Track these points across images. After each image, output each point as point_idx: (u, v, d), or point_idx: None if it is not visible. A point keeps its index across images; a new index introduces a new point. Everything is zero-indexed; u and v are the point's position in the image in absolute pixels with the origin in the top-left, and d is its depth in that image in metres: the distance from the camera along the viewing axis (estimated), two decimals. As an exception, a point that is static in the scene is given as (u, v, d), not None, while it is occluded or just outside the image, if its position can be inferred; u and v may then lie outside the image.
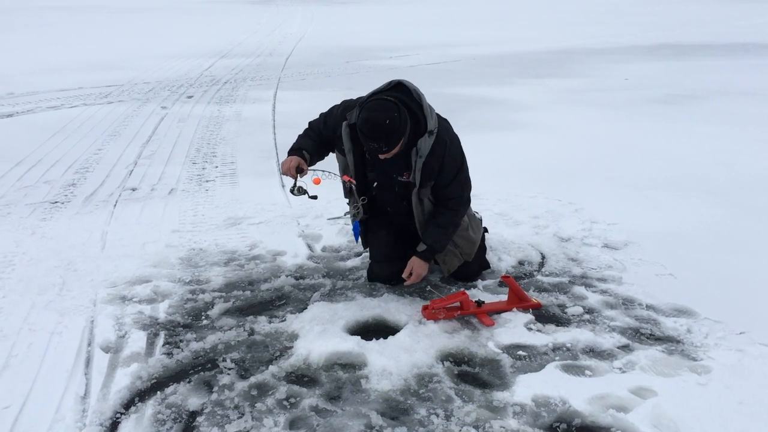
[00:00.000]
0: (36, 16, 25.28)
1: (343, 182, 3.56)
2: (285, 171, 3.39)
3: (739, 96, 9.54)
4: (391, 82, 3.26)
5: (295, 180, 3.40)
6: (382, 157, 3.22)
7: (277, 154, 6.58)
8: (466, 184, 3.47)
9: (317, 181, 3.46)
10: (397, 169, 3.37)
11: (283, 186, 5.54)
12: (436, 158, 3.27)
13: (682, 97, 9.49)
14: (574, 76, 11.61)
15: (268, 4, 32.84)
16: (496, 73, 12.05)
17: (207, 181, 5.73)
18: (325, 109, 3.55)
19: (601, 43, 16.52)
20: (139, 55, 14.58)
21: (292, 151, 3.45)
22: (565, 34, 18.75)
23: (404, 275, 3.43)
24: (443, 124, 3.35)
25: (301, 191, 3.40)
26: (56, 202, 5.18)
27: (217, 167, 6.20)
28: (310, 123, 3.59)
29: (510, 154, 6.49)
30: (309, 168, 3.45)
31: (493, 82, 10.94)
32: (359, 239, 3.74)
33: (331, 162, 3.62)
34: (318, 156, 3.52)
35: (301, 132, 3.58)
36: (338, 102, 3.52)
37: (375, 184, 3.51)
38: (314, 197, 3.46)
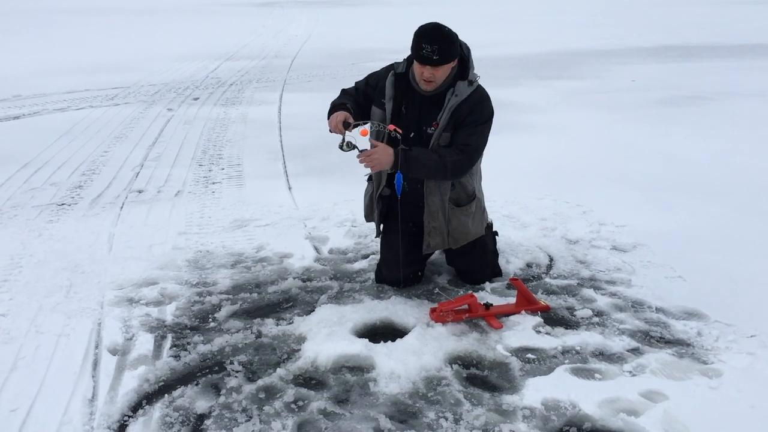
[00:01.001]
0: (43, 19, 25.38)
1: (388, 131, 3.38)
2: (333, 128, 3.27)
3: (746, 97, 9.49)
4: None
5: (344, 135, 3.22)
6: (426, 75, 3.19)
7: (283, 156, 6.57)
8: (478, 137, 3.32)
9: (365, 133, 3.30)
10: (429, 119, 3.33)
11: (289, 188, 5.54)
12: (469, 105, 3.27)
13: (690, 98, 9.45)
14: (580, 78, 11.57)
15: (273, 7, 32.89)
16: (501, 74, 12.02)
17: (213, 183, 5.73)
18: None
19: (606, 45, 16.48)
20: (145, 58, 14.62)
21: (335, 108, 3.38)
22: (570, 36, 18.72)
23: (363, 155, 3.16)
24: (481, 86, 3.38)
25: (350, 146, 3.20)
26: (63, 204, 5.18)
27: (223, 169, 6.19)
28: (343, 89, 3.58)
29: (517, 155, 6.47)
30: (355, 123, 3.29)
31: (498, 84, 10.91)
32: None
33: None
34: (363, 110, 3.48)
35: (336, 98, 3.51)
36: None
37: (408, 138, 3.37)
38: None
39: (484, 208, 3.71)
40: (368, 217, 3.79)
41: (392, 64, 3.45)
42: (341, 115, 3.25)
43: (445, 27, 3.19)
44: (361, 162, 3.18)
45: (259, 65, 13.75)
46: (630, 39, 17.86)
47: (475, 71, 3.36)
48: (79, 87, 10.80)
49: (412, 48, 3.21)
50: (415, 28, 3.21)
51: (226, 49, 16.23)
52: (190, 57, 14.68)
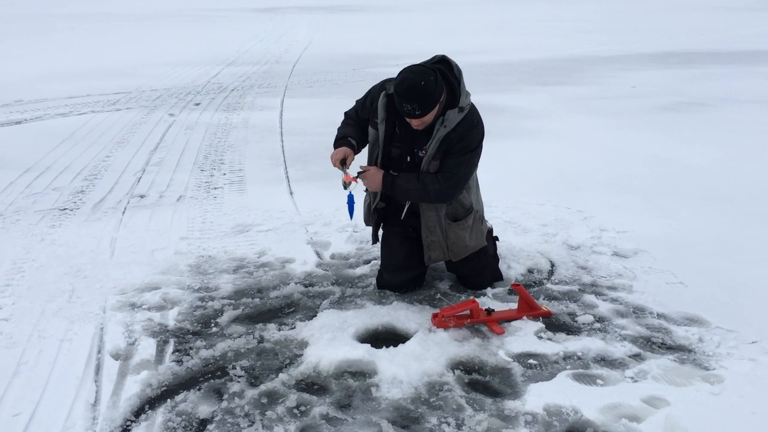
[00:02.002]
0: (44, 24, 25.44)
1: (370, 157, 3.54)
2: (333, 164, 3.42)
3: (747, 104, 9.51)
4: (435, 56, 3.32)
5: (343, 172, 3.40)
6: (415, 123, 3.22)
7: (284, 161, 6.58)
8: (465, 168, 3.36)
9: (347, 178, 3.39)
10: (420, 143, 3.36)
11: (291, 193, 5.55)
12: (458, 134, 3.27)
13: (690, 104, 9.47)
14: (581, 84, 11.59)
15: (274, 12, 32.97)
16: (502, 80, 12.04)
17: (215, 189, 5.74)
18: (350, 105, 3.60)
19: (607, 51, 16.51)
20: (146, 63, 14.65)
21: (339, 142, 3.46)
22: (571, 42, 18.75)
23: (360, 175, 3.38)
24: (475, 111, 3.37)
25: (348, 184, 3.41)
26: (65, 209, 5.19)
27: (225, 174, 6.21)
28: (346, 113, 3.61)
29: (518, 161, 6.48)
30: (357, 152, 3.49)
31: (500, 90, 10.94)
32: (352, 216, 3.63)
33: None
34: (364, 141, 3.53)
35: (339, 124, 3.60)
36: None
37: (400, 161, 3.46)
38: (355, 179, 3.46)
39: (483, 218, 3.71)
40: (367, 222, 3.81)
41: (385, 83, 3.42)
42: (340, 152, 3.39)
43: (421, 80, 3.10)
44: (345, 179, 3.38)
45: (261, 71, 13.78)
46: (631, 45, 17.90)
47: (466, 95, 3.29)
48: (81, 92, 10.82)
49: (395, 100, 3.21)
50: (397, 78, 3.18)
51: (227, 55, 16.26)
52: (191, 62, 14.71)
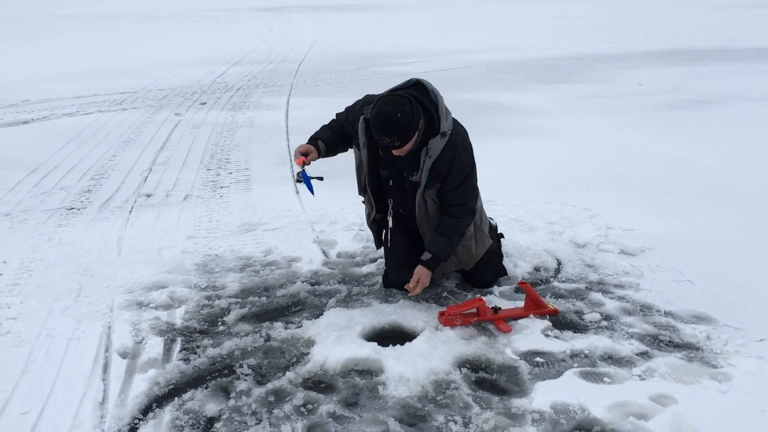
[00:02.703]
0: (50, 24, 25.52)
1: (359, 177, 3.53)
2: (294, 156, 3.44)
3: (754, 101, 9.47)
4: (409, 80, 3.27)
5: (301, 167, 3.40)
6: (395, 153, 3.21)
7: (290, 160, 6.58)
8: (471, 193, 3.41)
9: (300, 161, 3.37)
10: (408, 168, 3.36)
11: (297, 192, 5.56)
12: (445, 161, 3.24)
13: (697, 102, 9.44)
14: (587, 82, 11.56)
15: (279, 12, 32.99)
16: (508, 79, 12.02)
17: (221, 188, 5.75)
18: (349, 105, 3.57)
19: (613, 49, 16.46)
20: (152, 63, 14.68)
21: (309, 140, 3.47)
22: (577, 40, 18.70)
23: (410, 285, 3.36)
24: (459, 129, 3.33)
25: (300, 179, 3.43)
26: (72, 208, 5.21)
27: (231, 173, 6.22)
28: (336, 114, 3.60)
29: (524, 159, 6.47)
30: (320, 158, 3.49)
31: (506, 88, 10.92)
32: (310, 191, 3.57)
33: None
34: (335, 149, 3.53)
35: (320, 127, 3.58)
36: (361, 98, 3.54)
37: (390, 182, 3.49)
38: (320, 178, 3.47)
39: (484, 220, 3.69)
40: (370, 226, 3.81)
41: (364, 105, 3.36)
42: (303, 147, 3.41)
43: (397, 112, 3.05)
44: (411, 295, 3.42)
45: (266, 70, 13.79)
46: (636, 43, 17.84)
47: (446, 117, 3.23)
48: (87, 92, 10.86)
49: (373, 134, 3.19)
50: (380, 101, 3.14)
51: (232, 54, 16.27)
52: (197, 62, 14.74)
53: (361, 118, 3.32)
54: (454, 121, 3.32)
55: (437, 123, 3.21)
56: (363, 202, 3.71)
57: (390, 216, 3.58)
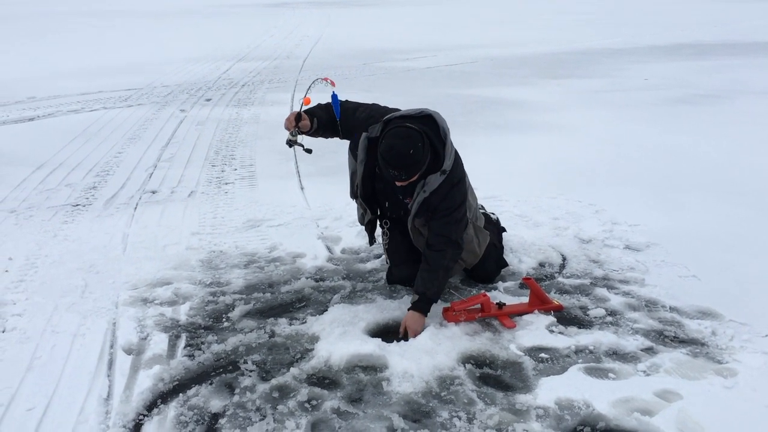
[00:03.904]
0: (55, 22, 25.56)
1: (351, 185, 3.50)
2: (286, 122, 3.36)
3: (761, 95, 9.42)
4: (422, 111, 3.19)
5: (291, 132, 3.33)
6: (398, 183, 3.17)
7: (295, 156, 6.58)
8: (455, 226, 3.30)
9: (307, 101, 3.31)
10: (403, 191, 3.34)
11: (302, 188, 5.56)
12: (439, 196, 3.21)
13: (703, 96, 9.39)
14: (593, 77, 11.52)
15: (284, 7, 32.96)
16: (513, 74, 11.99)
17: (226, 184, 5.76)
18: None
19: (619, 43, 16.39)
20: (157, 59, 14.69)
21: (306, 112, 3.38)
22: (582, 35, 18.63)
23: (400, 332, 3.17)
24: (457, 166, 3.27)
25: (292, 141, 3.34)
26: (77, 205, 5.22)
27: (236, 170, 6.22)
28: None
29: (529, 154, 6.45)
30: (310, 134, 3.41)
31: (511, 83, 10.89)
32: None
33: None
34: (324, 133, 3.45)
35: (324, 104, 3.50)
36: (368, 102, 3.48)
37: (384, 196, 3.50)
38: (308, 150, 3.43)
39: (478, 216, 3.65)
40: (363, 225, 3.76)
41: (371, 118, 3.29)
42: (297, 113, 3.31)
43: (410, 149, 3.00)
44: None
45: (271, 66, 13.78)
46: (643, 37, 17.76)
47: (450, 156, 3.19)
48: (93, 89, 10.87)
49: (379, 162, 3.13)
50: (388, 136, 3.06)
51: (237, 50, 16.27)
52: (201, 58, 14.74)
53: (364, 135, 3.26)
54: (456, 158, 3.27)
55: (441, 161, 3.17)
56: (355, 197, 3.69)
57: (383, 221, 3.57)
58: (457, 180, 3.26)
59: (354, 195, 3.55)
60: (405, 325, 3.17)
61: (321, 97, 3.50)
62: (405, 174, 3.06)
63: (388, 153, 3.03)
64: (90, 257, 4.13)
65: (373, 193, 3.51)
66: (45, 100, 9.97)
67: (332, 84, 3.37)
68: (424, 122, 3.16)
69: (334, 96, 3.39)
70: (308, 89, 3.37)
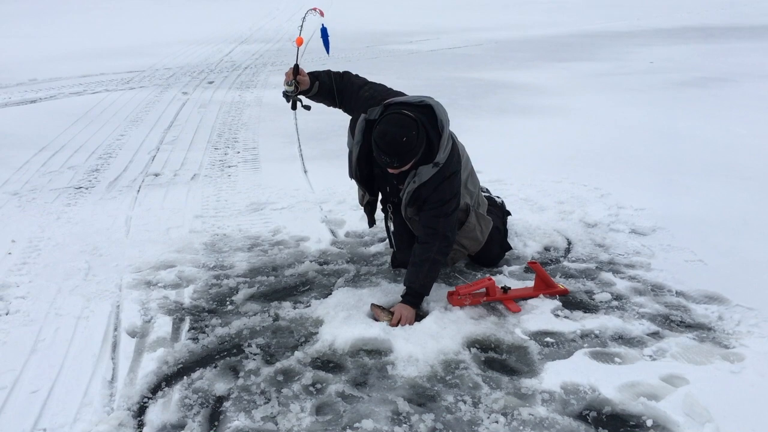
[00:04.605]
0: (57, 3, 25.42)
1: (349, 164, 3.45)
2: (286, 77, 3.31)
3: (767, 79, 9.34)
4: (423, 100, 3.13)
5: (289, 81, 3.28)
6: (389, 170, 3.14)
7: (298, 139, 6.55)
8: (444, 220, 3.22)
9: (300, 41, 3.26)
10: (396, 176, 3.29)
11: (305, 171, 5.53)
12: (429, 188, 3.17)
13: (709, 80, 9.32)
14: (598, 60, 11.44)
15: (287, -11, 32.74)
16: (518, 57, 11.90)
17: (229, 167, 5.73)
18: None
19: (625, 27, 16.27)
20: (159, 41, 14.61)
21: (309, 73, 3.34)
22: (588, 18, 18.47)
23: (392, 323, 3.06)
24: (451, 159, 3.21)
25: (289, 93, 3.30)
26: (80, 187, 5.21)
27: (239, 153, 6.19)
28: (347, 72, 3.47)
29: (534, 138, 6.42)
30: (308, 97, 3.38)
31: (516, 66, 10.82)
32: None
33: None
34: (323, 98, 3.41)
35: (333, 70, 3.45)
36: (375, 82, 3.45)
37: (384, 188, 3.47)
38: (307, 107, 3.38)
39: (481, 203, 3.62)
40: (362, 206, 3.73)
41: (372, 99, 3.25)
42: (295, 65, 3.26)
43: (403, 136, 2.95)
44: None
45: (274, 48, 13.71)
46: (648, 20, 17.61)
47: (445, 148, 3.12)
48: (95, 71, 10.83)
49: (372, 147, 3.08)
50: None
51: (240, 33, 16.18)
52: (204, 41, 14.66)
53: (363, 116, 3.21)
54: (453, 146, 3.22)
55: (434, 152, 3.12)
56: (353, 177, 3.66)
57: (386, 204, 3.53)
58: (450, 173, 3.20)
59: (352, 176, 3.52)
60: (398, 318, 3.08)
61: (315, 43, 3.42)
62: (397, 161, 3.02)
63: (381, 139, 2.99)
64: (93, 240, 4.11)
65: (372, 176, 3.47)
66: (46, 82, 9.93)
67: (321, 14, 3.31)
68: (423, 111, 3.10)
69: (323, 29, 3.33)
70: (301, 26, 3.32)
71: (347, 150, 3.42)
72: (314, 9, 3.35)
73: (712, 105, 7.78)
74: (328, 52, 3.34)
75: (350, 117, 3.42)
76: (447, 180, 3.19)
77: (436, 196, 3.18)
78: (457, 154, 3.26)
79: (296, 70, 3.28)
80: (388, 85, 3.44)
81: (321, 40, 3.35)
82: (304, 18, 3.36)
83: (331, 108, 3.54)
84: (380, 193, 3.55)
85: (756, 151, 5.80)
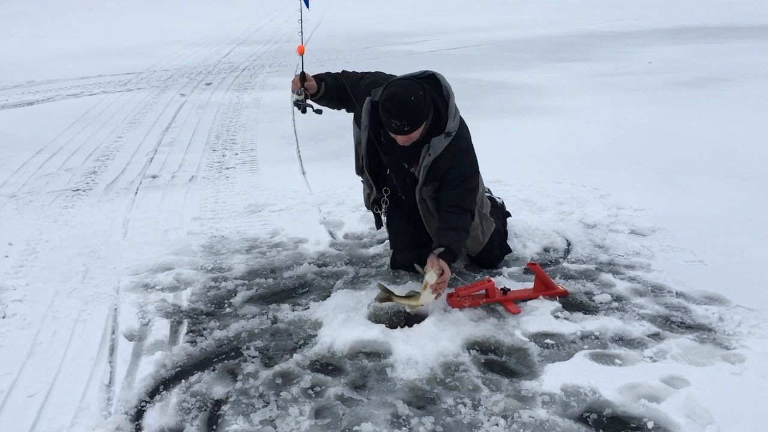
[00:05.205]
0: (54, 4, 25.40)
1: (357, 157, 3.45)
2: (292, 85, 3.35)
3: (766, 79, 9.33)
4: (425, 71, 3.16)
5: (298, 91, 3.32)
6: (401, 140, 3.12)
7: (297, 140, 6.54)
8: (469, 196, 3.26)
9: (301, 50, 3.31)
10: (408, 158, 3.28)
11: (303, 173, 5.52)
12: (445, 161, 3.16)
13: (708, 80, 9.31)
14: (598, 60, 11.43)
15: (285, -9, 32.74)
16: (517, 57, 11.90)
17: (227, 168, 5.71)
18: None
19: (624, 27, 16.27)
20: (157, 43, 14.59)
21: (314, 77, 3.37)
22: (587, 18, 18.47)
23: (439, 281, 3.02)
24: (463, 132, 3.23)
25: (300, 102, 3.34)
26: (78, 189, 5.19)
27: (237, 154, 6.18)
28: (344, 71, 3.49)
29: (533, 139, 6.40)
30: (315, 99, 3.42)
31: (515, 67, 10.81)
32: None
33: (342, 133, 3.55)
34: (329, 100, 3.43)
35: (331, 72, 3.49)
36: (372, 71, 3.47)
37: (390, 169, 3.44)
38: (319, 111, 3.40)
39: (485, 203, 3.60)
40: (368, 208, 3.75)
41: (374, 84, 3.27)
42: (301, 73, 3.30)
43: (411, 95, 2.97)
44: (435, 291, 3.04)
45: (272, 50, 13.70)
46: (647, 20, 17.61)
47: (454, 117, 3.14)
48: (92, 73, 10.81)
49: (381, 115, 3.07)
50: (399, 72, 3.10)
51: (238, 34, 16.17)
52: (202, 42, 14.65)
53: (367, 99, 3.23)
54: (461, 120, 3.23)
55: (444, 121, 3.12)
56: (362, 182, 3.66)
57: (386, 198, 3.51)
58: (465, 146, 3.20)
59: (360, 170, 3.51)
60: (442, 270, 3.02)
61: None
62: (408, 123, 2.99)
63: (389, 101, 2.99)
64: (90, 242, 4.09)
65: (379, 168, 3.46)
66: (44, 84, 9.92)
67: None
68: (427, 82, 3.13)
69: None
70: (301, 33, 3.35)
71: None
72: None
73: (712, 105, 7.77)
74: (308, 7, 3.43)
75: (353, 115, 3.42)
76: (463, 153, 3.19)
77: (455, 173, 3.17)
78: (467, 129, 3.26)
79: (303, 77, 3.29)
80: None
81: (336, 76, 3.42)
82: (301, 21, 3.39)
83: (328, 109, 3.54)
84: (385, 186, 3.51)
85: (756, 151, 5.79)
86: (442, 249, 3.13)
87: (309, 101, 3.38)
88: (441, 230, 3.22)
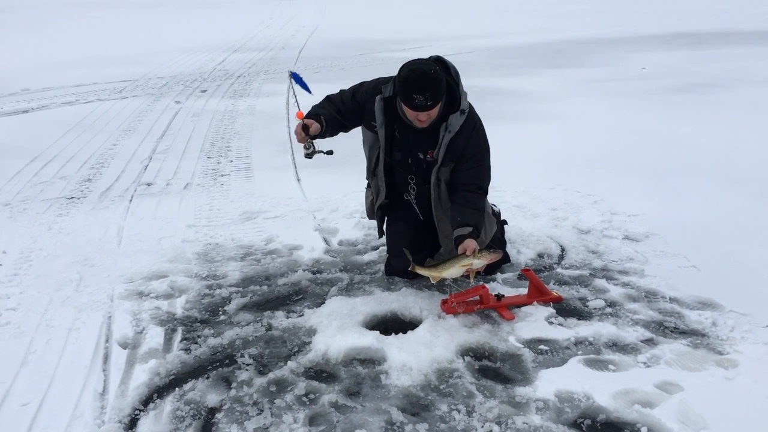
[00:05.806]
0: (49, 13, 25.40)
1: (369, 159, 3.46)
2: (297, 138, 3.30)
3: (760, 84, 9.38)
4: (431, 56, 3.25)
5: (305, 144, 3.26)
6: (422, 118, 3.13)
7: (291, 147, 6.55)
8: (486, 174, 3.38)
9: (300, 115, 3.27)
10: (424, 146, 3.32)
11: (298, 180, 5.52)
12: (463, 138, 3.24)
13: (701, 85, 9.36)
14: (591, 66, 11.48)
15: (280, -2, 32.79)
16: (510, 63, 11.94)
17: (222, 176, 5.71)
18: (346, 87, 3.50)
19: (617, 33, 16.34)
20: (152, 50, 14.60)
21: (308, 116, 3.32)
22: (580, 24, 18.56)
23: (468, 252, 3.06)
24: (473, 110, 3.34)
25: (310, 154, 3.27)
26: (72, 197, 5.18)
27: (231, 161, 6.18)
28: (329, 96, 3.49)
29: (527, 145, 6.42)
30: (320, 137, 3.34)
31: (508, 73, 10.84)
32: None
33: (343, 140, 3.55)
34: (332, 129, 3.39)
35: (317, 103, 3.46)
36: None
37: (402, 164, 3.43)
38: (329, 152, 3.32)
39: (487, 205, 3.62)
40: (371, 217, 3.77)
41: (379, 84, 3.34)
42: (302, 124, 3.24)
43: (430, 68, 3.05)
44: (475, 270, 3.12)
45: (267, 57, 13.71)
46: (640, 26, 17.70)
47: (465, 96, 3.25)
48: (87, 80, 10.81)
49: (401, 95, 3.10)
50: (401, 73, 3.06)
51: (233, 41, 16.19)
52: (197, 49, 14.66)
53: (378, 97, 3.28)
54: (470, 104, 3.32)
55: (458, 99, 3.21)
56: (367, 187, 3.66)
57: (413, 185, 3.50)
58: (478, 123, 3.31)
59: (373, 173, 3.51)
60: (467, 246, 3.05)
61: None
62: (431, 96, 3.03)
63: (410, 76, 3.02)
64: (85, 250, 4.09)
65: (390, 170, 3.47)
66: (39, 92, 9.91)
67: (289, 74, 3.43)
68: (437, 63, 3.20)
69: (294, 75, 3.42)
70: (296, 98, 3.34)
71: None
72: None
73: (705, 110, 7.80)
74: (310, 92, 3.41)
75: (359, 126, 3.46)
76: (478, 130, 3.31)
77: (473, 149, 3.27)
78: (473, 108, 3.35)
79: (306, 129, 3.24)
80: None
81: (300, 86, 3.39)
82: (292, 88, 3.40)
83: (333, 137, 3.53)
84: (398, 183, 3.53)
85: (749, 155, 5.82)
86: (470, 228, 3.17)
87: (317, 147, 3.30)
88: (463, 208, 3.25)
